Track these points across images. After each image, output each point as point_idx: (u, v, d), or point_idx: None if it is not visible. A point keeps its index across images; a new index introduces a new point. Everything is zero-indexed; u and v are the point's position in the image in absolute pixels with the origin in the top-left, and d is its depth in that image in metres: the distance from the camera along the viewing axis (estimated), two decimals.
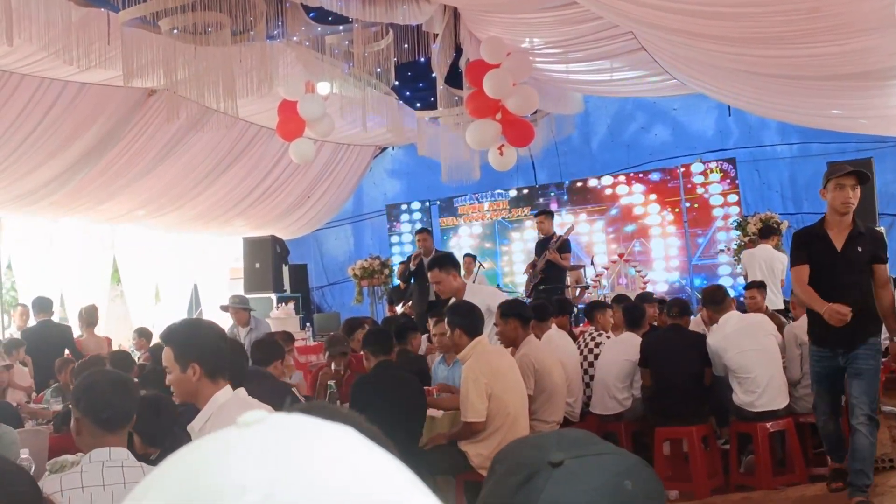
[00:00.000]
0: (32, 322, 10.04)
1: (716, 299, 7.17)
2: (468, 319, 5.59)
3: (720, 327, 6.90)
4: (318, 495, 0.56)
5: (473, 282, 11.30)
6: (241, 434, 0.60)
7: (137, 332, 10.57)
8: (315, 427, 0.62)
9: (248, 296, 13.05)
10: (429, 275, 6.79)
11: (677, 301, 7.82)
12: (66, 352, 9.03)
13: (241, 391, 4.07)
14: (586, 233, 13.98)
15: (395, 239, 15.52)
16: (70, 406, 3.16)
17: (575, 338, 8.18)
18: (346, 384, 6.97)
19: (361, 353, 6.27)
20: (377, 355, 5.62)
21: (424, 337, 8.41)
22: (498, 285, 13.45)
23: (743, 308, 8.32)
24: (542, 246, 11.07)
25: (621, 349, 7.35)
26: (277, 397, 5.18)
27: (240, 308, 9.92)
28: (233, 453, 0.58)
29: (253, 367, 5.88)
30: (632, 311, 7.78)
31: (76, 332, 10.06)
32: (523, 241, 14.50)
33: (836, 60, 6.69)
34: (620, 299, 9.04)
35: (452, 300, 6.49)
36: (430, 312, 9.08)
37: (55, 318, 9.95)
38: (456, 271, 6.59)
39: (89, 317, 9.84)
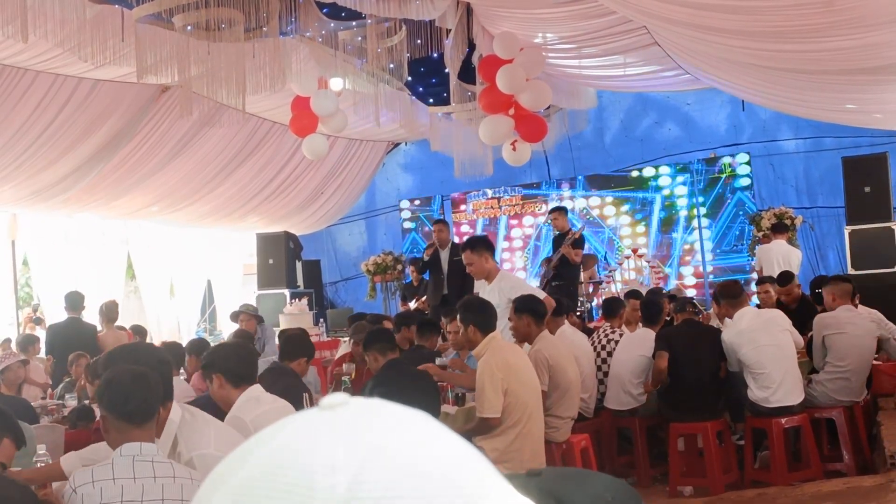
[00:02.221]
0: (44, 321, 10.06)
1: (732, 293, 7.15)
2: (481, 316, 5.57)
3: (735, 322, 6.89)
4: (404, 478, 0.57)
5: None
6: (325, 416, 0.61)
7: (132, 330, 10.54)
8: (396, 411, 0.64)
9: (261, 291, 13.14)
10: (463, 256, 6.81)
11: (691, 300, 7.85)
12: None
13: (256, 388, 4.11)
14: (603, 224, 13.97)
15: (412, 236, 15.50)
16: (90, 404, 3.21)
17: (589, 333, 8.17)
18: (367, 376, 7.01)
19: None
20: (385, 354, 5.60)
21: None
22: None
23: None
24: (557, 242, 11.05)
25: (637, 345, 7.34)
26: (291, 398, 5.16)
27: (252, 316, 9.95)
28: (320, 434, 0.60)
29: (275, 363, 5.84)
30: (649, 306, 7.77)
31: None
32: (535, 236, 14.49)
33: (851, 55, 6.66)
34: (634, 294, 9.03)
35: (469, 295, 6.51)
36: (443, 309, 9.09)
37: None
38: (489, 254, 6.63)
39: (109, 312, 9.83)
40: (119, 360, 3.44)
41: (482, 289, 6.62)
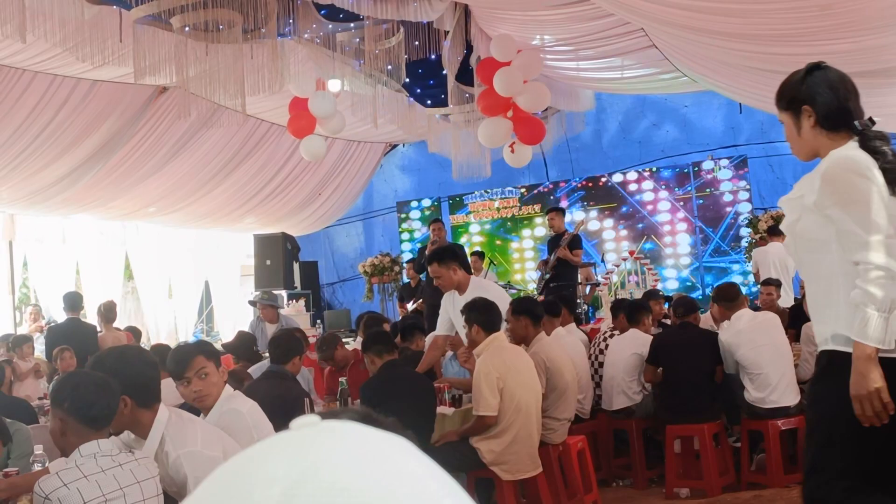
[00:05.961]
0: (47, 321, 10.02)
1: (729, 296, 7.16)
2: (485, 315, 5.59)
3: (732, 324, 6.91)
4: (338, 494, 0.61)
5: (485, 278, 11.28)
6: (286, 435, 0.67)
7: (127, 331, 10.53)
8: (355, 434, 0.67)
9: (258, 292, 13.11)
10: (428, 269, 6.68)
11: (682, 300, 7.80)
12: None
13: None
14: (596, 230, 13.99)
15: (405, 236, 15.52)
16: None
17: (590, 337, 8.20)
18: (351, 371, 7.06)
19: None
20: (382, 356, 5.59)
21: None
22: (508, 282, 13.46)
23: (754, 306, 8.30)
24: (553, 243, 11.05)
25: (628, 344, 7.36)
26: (289, 406, 5.16)
27: (268, 305, 9.91)
28: (274, 450, 0.65)
29: (271, 367, 5.82)
30: (630, 308, 7.80)
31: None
32: (533, 238, 14.50)
33: (848, 58, 6.66)
34: (652, 294, 9.03)
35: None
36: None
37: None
38: (457, 265, 6.40)
39: (108, 312, 9.82)
40: (108, 362, 3.45)
41: (451, 302, 6.45)
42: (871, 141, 2.90)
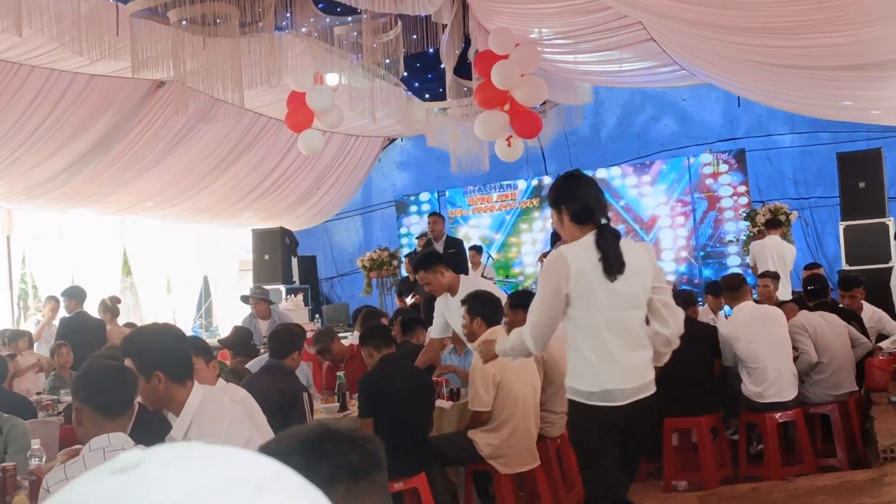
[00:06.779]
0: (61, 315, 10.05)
1: (733, 286, 7.15)
2: (490, 309, 5.58)
3: (734, 316, 6.92)
4: None
5: (482, 274, 11.28)
6: (104, 483, 0.63)
7: (126, 327, 10.53)
8: (179, 477, 0.64)
9: (251, 287, 13.09)
10: (417, 277, 6.55)
11: (680, 293, 7.80)
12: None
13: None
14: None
15: (403, 230, 15.51)
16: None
17: None
18: (349, 366, 7.05)
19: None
20: (380, 349, 5.58)
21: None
22: (507, 276, 13.46)
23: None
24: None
25: None
26: (288, 401, 5.16)
27: (260, 299, 9.87)
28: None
29: (270, 361, 5.83)
30: None
31: None
32: (532, 231, 14.50)
33: (847, 51, 6.67)
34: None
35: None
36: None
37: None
38: (443, 267, 6.30)
39: (113, 306, 9.84)
40: (138, 339, 3.41)
41: (445, 304, 6.37)
42: (602, 236, 3.82)
